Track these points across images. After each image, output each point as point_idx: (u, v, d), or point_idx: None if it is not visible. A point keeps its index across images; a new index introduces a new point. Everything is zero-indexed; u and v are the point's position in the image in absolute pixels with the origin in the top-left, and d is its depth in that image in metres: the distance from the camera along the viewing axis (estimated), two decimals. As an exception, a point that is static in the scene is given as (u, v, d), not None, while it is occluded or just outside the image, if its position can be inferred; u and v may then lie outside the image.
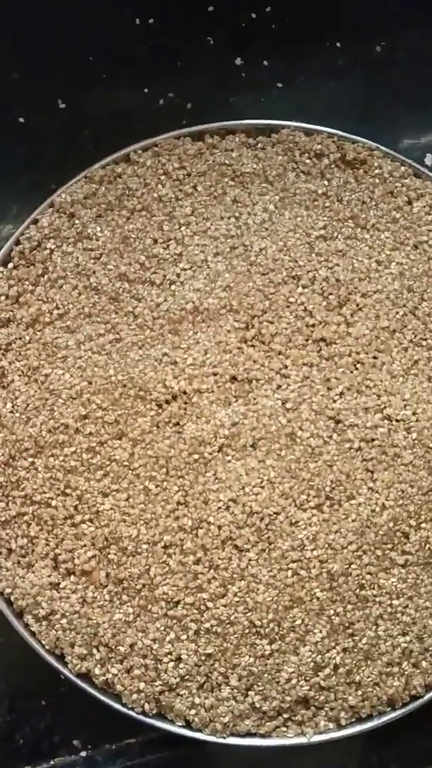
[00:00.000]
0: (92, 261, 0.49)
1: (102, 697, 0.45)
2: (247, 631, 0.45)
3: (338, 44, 0.56)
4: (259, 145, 0.52)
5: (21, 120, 0.54)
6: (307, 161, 0.51)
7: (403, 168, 0.52)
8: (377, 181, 0.51)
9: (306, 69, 0.56)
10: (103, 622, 0.45)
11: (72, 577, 0.46)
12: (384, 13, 0.57)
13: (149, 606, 0.46)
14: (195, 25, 0.55)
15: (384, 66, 0.57)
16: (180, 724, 0.45)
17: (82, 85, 0.55)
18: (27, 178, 0.54)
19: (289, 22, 0.56)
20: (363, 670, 0.46)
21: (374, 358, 0.49)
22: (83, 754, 0.48)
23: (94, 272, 0.49)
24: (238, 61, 0.56)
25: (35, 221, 0.50)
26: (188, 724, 0.45)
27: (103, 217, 0.50)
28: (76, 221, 0.50)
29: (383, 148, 0.52)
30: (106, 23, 0.55)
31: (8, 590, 0.46)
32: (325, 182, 0.51)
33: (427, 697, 0.46)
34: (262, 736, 0.45)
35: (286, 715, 0.46)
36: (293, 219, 0.50)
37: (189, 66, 0.56)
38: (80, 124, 0.54)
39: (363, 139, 0.52)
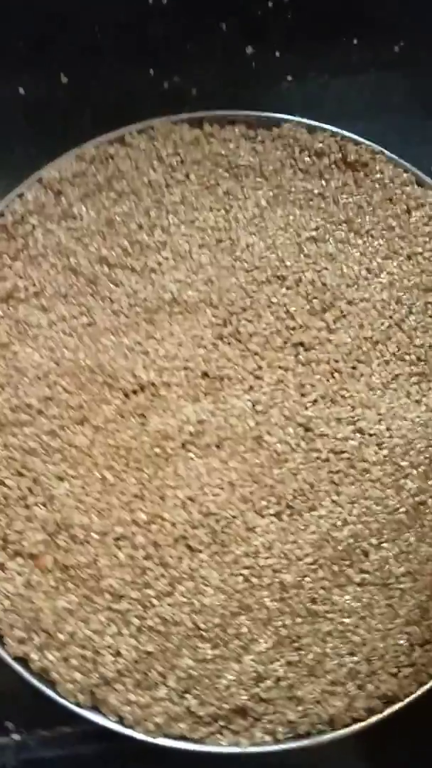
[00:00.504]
0: (74, 241, 0.48)
1: (37, 683, 0.44)
2: (190, 633, 0.44)
3: (355, 41, 0.55)
4: (259, 138, 0.50)
5: (21, 91, 0.53)
6: (307, 159, 0.50)
7: (405, 175, 0.50)
8: (377, 186, 0.50)
9: (318, 64, 0.54)
10: (46, 608, 0.44)
11: (19, 559, 0.45)
12: (407, 13, 0.55)
13: (94, 597, 0.44)
14: (209, 10, 0.54)
15: (400, 67, 0.55)
16: (113, 719, 0.44)
17: (87, 62, 0.54)
18: (22, 150, 0.53)
19: (307, 14, 0.54)
20: (306, 686, 0.44)
21: (353, 368, 0.47)
22: (15, 737, 0.47)
23: (74, 253, 0.48)
24: (249, 50, 0.54)
25: (21, 195, 0.49)
26: (121, 720, 0.44)
27: (90, 197, 0.49)
28: (63, 199, 0.49)
29: (387, 152, 0.50)
30: (119, 0, 0.54)
31: None
32: (323, 182, 0.50)
33: (370, 720, 0.45)
34: (195, 741, 0.44)
35: (221, 723, 0.44)
36: (285, 217, 0.49)
37: (198, 51, 0.54)
38: (81, 100, 0.53)
39: (367, 142, 0.50)
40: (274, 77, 0.54)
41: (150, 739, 0.44)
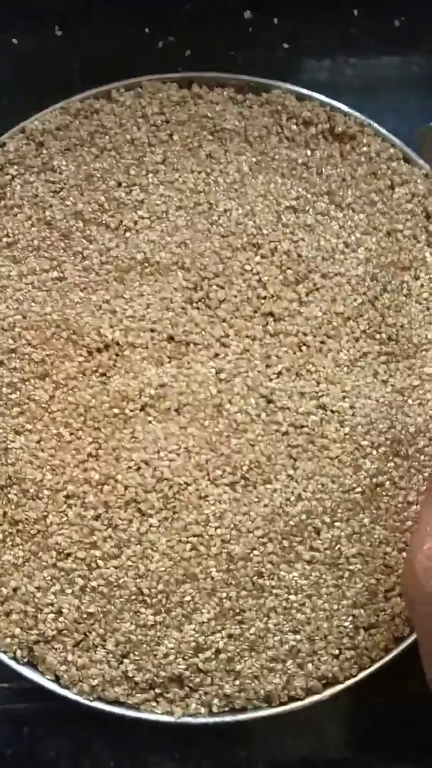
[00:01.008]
0: (51, 194, 0.47)
1: (-25, 636, 0.44)
2: (133, 597, 0.43)
3: (355, 12, 0.53)
4: (247, 102, 0.49)
5: (14, 41, 0.52)
6: (294, 127, 0.48)
7: (392, 150, 0.49)
8: (362, 159, 0.48)
9: (316, 33, 0.53)
10: (-9, 561, 0.44)
11: (-33, 510, 0.45)
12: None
13: (40, 553, 0.44)
14: (210, -30, 0.52)
15: (398, 42, 0.53)
16: (50, 678, 0.44)
17: (81, 15, 0.52)
18: (8, 100, 0.52)
19: (309, -20, 0.53)
20: (245, 661, 0.44)
21: (321, 342, 0.46)
22: None
23: (51, 206, 0.47)
24: (248, 14, 0.53)
25: (2, 144, 0.48)
26: (58, 680, 0.44)
27: (72, 151, 0.48)
28: (44, 151, 0.48)
29: (375, 125, 0.49)
30: None
31: None
32: (308, 152, 0.48)
33: (306, 701, 0.44)
34: (130, 706, 0.44)
35: (157, 690, 0.44)
36: (266, 185, 0.47)
37: (196, 12, 0.53)
38: (73, 53, 0.52)
39: (356, 113, 0.49)
40: (270, 44, 0.52)
41: (85, 701, 0.44)
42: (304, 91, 0.49)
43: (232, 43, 0.52)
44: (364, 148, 0.48)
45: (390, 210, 0.48)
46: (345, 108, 0.49)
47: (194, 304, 0.46)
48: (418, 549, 0.38)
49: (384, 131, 0.49)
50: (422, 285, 0.48)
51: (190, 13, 0.53)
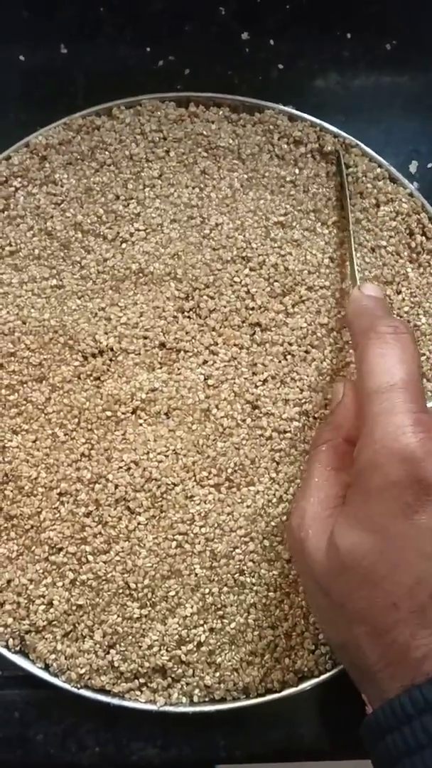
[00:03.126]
0: (53, 206, 0.49)
1: (-30, 625, 0.46)
2: (120, 591, 0.45)
3: (348, 35, 0.54)
4: (241, 121, 0.50)
5: (21, 58, 0.54)
6: (284, 146, 0.50)
7: (379, 170, 0.50)
8: (350, 179, 0.50)
9: (310, 55, 0.54)
10: (-14, 554, 0.46)
11: (-35, 505, 0.46)
12: (402, 12, 0.55)
13: (33, 547, 0.46)
14: (209, -7, 0.54)
15: (389, 65, 0.54)
16: (40, 666, 0.45)
17: (86, 34, 0.54)
18: (15, 115, 0.53)
19: (305, 4, 0.54)
20: (225, 654, 0.45)
21: (306, 352, 0.47)
22: None
23: (52, 217, 0.49)
24: (245, 36, 0.54)
25: (7, 158, 0.50)
26: (47, 668, 0.45)
27: (73, 165, 0.49)
28: (47, 165, 0.49)
29: (363, 146, 0.50)
30: (123, -22, 0.54)
31: None
32: (297, 170, 0.49)
33: (283, 693, 0.45)
34: (115, 695, 0.45)
35: (142, 680, 0.45)
36: (256, 201, 0.49)
37: (195, 32, 0.54)
38: (77, 71, 0.53)
39: (345, 134, 0.50)
40: (266, 64, 0.54)
41: (72, 689, 0.45)
42: (296, 111, 0.50)
43: (230, 63, 0.54)
44: (351, 168, 0.50)
45: (375, 227, 0.49)
46: (334, 129, 0.50)
47: (185, 313, 0.48)
48: (292, 509, 0.40)
49: (371, 152, 0.50)
50: (403, 299, 0.49)
51: (190, 33, 0.54)
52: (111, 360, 0.47)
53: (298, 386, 0.47)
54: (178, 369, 0.47)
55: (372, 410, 0.37)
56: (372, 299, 0.42)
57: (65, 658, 0.45)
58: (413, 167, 0.53)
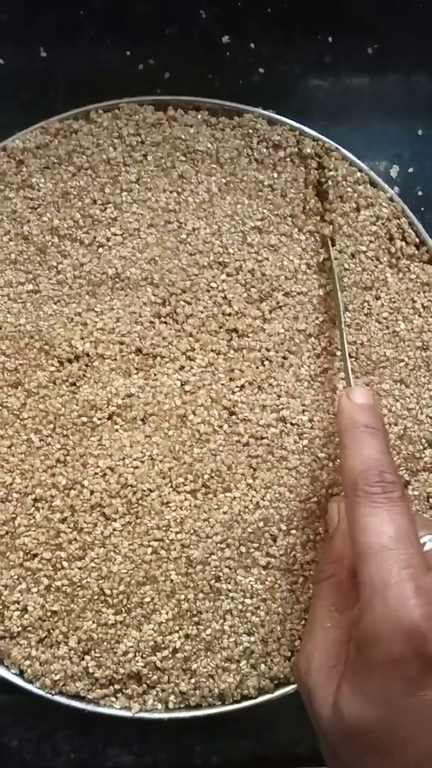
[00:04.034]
0: (29, 210, 0.48)
1: None
2: (95, 597, 0.44)
3: (330, 39, 0.54)
4: (219, 125, 0.50)
5: (1, 61, 0.53)
6: (263, 150, 0.49)
7: (359, 174, 0.49)
8: (330, 183, 0.49)
9: (291, 59, 0.53)
10: (-39, 560, 0.45)
11: None
12: (383, 17, 0.54)
13: (8, 553, 0.45)
14: (190, -3, 0.53)
15: (370, 69, 0.54)
16: (14, 672, 0.45)
17: (66, 38, 0.53)
18: (-7, 118, 0.53)
19: (286, 8, 0.54)
20: (201, 660, 0.45)
21: (283, 358, 0.47)
22: None
23: (28, 221, 0.48)
24: (225, 39, 0.53)
25: (-16, 162, 0.49)
26: (21, 674, 0.45)
27: (50, 169, 0.49)
28: (23, 169, 0.49)
29: (342, 149, 0.49)
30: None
31: None
32: (275, 174, 0.49)
33: (259, 699, 0.45)
34: (90, 701, 0.45)
35: (117, 686, 0.45)
36: (233, 205, 0.48)
37: (175, 36, 0.53)
38: (57, 75, 0.53)
39: (324, 138, 0.49)
40: (247, 68, 0.53)
41: (47, 695, 0.45)
42: (275, 115, 0.50)
43: (210, 66, 0.53)
44: (331, 173, 0.49)
45: (355, 232, 0.49)
46: (313, 133, 0.50)
47: (162, 319, 0.47)
48: (299, 651, 0.40)
49: (351, 155, 0.50)
50: (382, 305, 0.48)
51: (171, 37, 0.54)
52: (87, 365, 0.47)
53: (275, 392, 0.46)
54: (155, 375, 0.46)
55: (368, 571, 0.35)
56: (362, 411, 0.40)
57: (40, 664, 0.45)
58: (394, 172, 0.52)
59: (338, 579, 0.40)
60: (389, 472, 0.38)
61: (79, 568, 0.45)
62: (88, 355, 0.46)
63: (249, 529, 0.45)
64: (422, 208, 0.52)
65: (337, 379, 0.47)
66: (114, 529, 0.45)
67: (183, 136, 0.49)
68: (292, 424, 0.46)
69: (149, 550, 0.45)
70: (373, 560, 0.35)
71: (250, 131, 0.49)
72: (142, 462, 0.45)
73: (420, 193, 0.53)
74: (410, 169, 0.53)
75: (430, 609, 0.33)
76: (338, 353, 0.47)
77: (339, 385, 0.47)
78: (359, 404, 0.40)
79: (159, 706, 0.45)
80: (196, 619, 0.45)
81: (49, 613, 0.45)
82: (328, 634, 0.38)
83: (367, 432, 0.39)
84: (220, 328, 0.47)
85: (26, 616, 0.45)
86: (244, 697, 0.45)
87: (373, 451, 0.38)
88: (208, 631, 0.45)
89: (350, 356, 0.47)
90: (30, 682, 0.45)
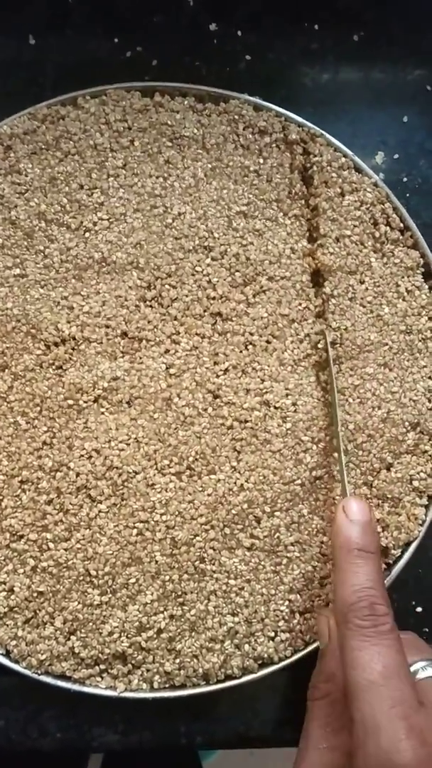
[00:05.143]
0: (17, 195, 0.48)
1: None
2: (81, 578, 0.44)
3: (316, 27, 0.53)
4: (206, 111, 0.49)
5: (-10, 49, 0.53)
6: (249, 136, 0.49)
7: (344, 159, 0.49)
8: (315, 168, 0.49)
9: (278, 46, 0.53)
10: None
11: None
12: (372, 5, 0.54)
13: (-6, 534, 0.45)
14: (178, -16, 0.53)
15: (357, 57, 0.53)
16: (1, 652, 0.45)
17: (55, 25, 0.53)
18: (-18, 105, 0.53)
19: (273, -4, 0.54)
20: (185, 640, 0.45)
21: (267, 342, 0.47)
22: None
23: (16, 206, 0.48)
24: (213, 27, 0.53)
25: (-27, 147, 0.49)
26: (8, 654, 0.45)
27: (37, 154, 0.49)
28: (11, 154, 0.49)
29: (327, 135, 0.49)
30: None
31: None
32: (261, 160, 0.49)
33: (243, 679, 0.45)
34: (76, 681, 0.45)
35: (102, 666, 0.45)
36: (219, 190, 0.48)
37: (163, 24, 0.53)
38: (45, 62, 0.53)
39: (310, 124, 0.49)
40: (234, 56, 0.53)
41: (33, 675, 0.45)
42: (261, 101, 0.50)
43: (197, 54, 0.53)
44: (316, 158, 0.49)
45: (339, 216, 0.48)
46: (299, 118, 0.49)
47: (147, 303, 0.47)
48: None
49: (336, 141, 0.49)
50: (366, 289, 0.48)
51: (158, 25, 0.53)
52: (73, 349, 0.46)
53: (258, 376, 0.46)
54: (140, 358, 0.46)
55: (359, 708, 0.35)
56: (357, 530, 0.40)
57: (26, 645, 0.45)
58: (380, 158, 0.52)
59: (332, 698, 0.40)
60: (380, 602, 0.38)
61: (65, 549, 0.45)
62: (74, 338, 0.46)
63: (233, 511, 0.45)
64: (407, 194, 0.52)
65: (320, 365, 0.47)
66: (100, 511, 0.45)
67: (169, 122, 0.49)
68: (275, 407, 0.46)
69: (134, 531, 0.45)
70: (363, 696, 0.35)
71: (236, 117, 0.49)
72: (128, 444, 0.45)
73: (405, 179, 0.52)
74: (395, 156, 0.53)
75: (422, 751, 0.33)
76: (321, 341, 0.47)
77: (336, 490, 0.47)
78: (355, 521, 0.40)
79: (144, 685, 0.45)
80: (180, 599, 0.45)
81: (35, 594, 0.45)
82: (323, 756, 0.39)
83: (360, 556, 0.39)
84: (205, 311, 0.47)
85: (12, 596, 0.45)
86: (228, 677, 0.45)
87: (365, 580, 0.38)
88: (193, 612, 0.44)
89: (333, 343, 0.47)
90: (16, 662, 0.45)
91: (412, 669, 0.39)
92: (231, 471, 0.45)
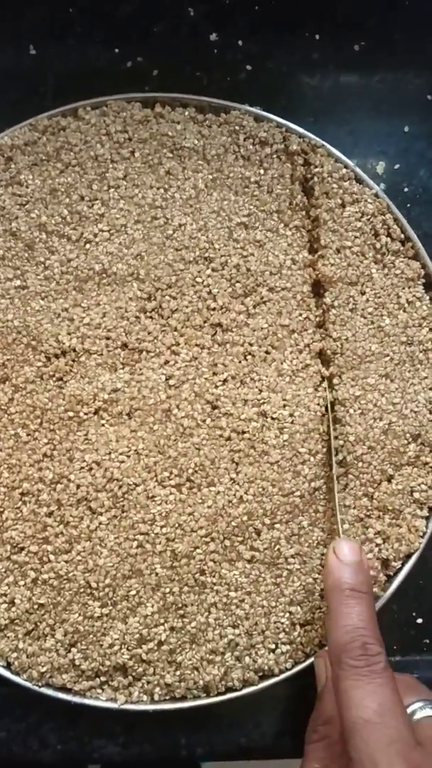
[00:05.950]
0: (18, 207, 0.48)
1: None
2: (82, 590, 0.44)
3: (317, 36, 0.53)
4: (206, 122, 0.49)
5: (-9, 60, 0.53)
6: (250, 147, 0.49)
7: (344, 170, 0.49)
8: (315, 179, 0.49)
9: (279, 56, 0.53)
10: None
11: None
12: (370, 14, 0.54)
13: (-5, 546, 0.45)
14: (179, -5, 0.53)
15: (357, 67, 0.53)
16: (1, 664, 0.45)
17: (56, 35, 0.53)
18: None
19: (274, 5, 0.53)
20: (186, 652, 0.44)
21: (266, 353, 0.47)
22: None
23: (16, 218, 0.48)
24: (213, 37, 0.53)
25: (-27, 159, 0.49)
26: (8, 666, 0.45)
27: (38, 166, 0.49)
28: (12, 166, 0.49)
29: (328, 146, 0.49)
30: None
31: None
32: (261, 171, 0.49)
33: (243, 692, 0.44)
34: (76, 693, 0.44)
35: (103, 678, 0.44)
36: (219, 201, 0.48)
37: (164, 34, 0.53)
38: (46, 72, 0.53)
39: (311, 135, 0.49)
40: (234, 66, 0.53)
41: (33, 687, 0.44)
42: (261, 112, 0.49)
43: (198, 64, 0.53)
44: (317, 169, 0.49)
45: (340, 228, 0.48)
46: (300, 129, 0.49)
47: (147, 314, 0.47)
48: None
49: (336, 152, 0.49)
50: (367, 300, 0.48)
51: (159, 35, 0.53)
52: (74, 360, 0.46)
53: (257, 386, 0.46)
54: (140, 369, 0.46)
55: (357, 746, 0.35)
56: (348, 570, 0.40)
57: (27, 657, 0.44)
58: (380, 168, 0.52)
59: (330, 741, 0.40)
60: (372, 642, 0.38)
61: (66, 562, 0.44)
62: (74, 350, 0.46)
63: (233, 523, 0.45)
64: (408, 205, 0.52)
65: (318, 375, 0.47)
66: (100, 523, 0.45)
67: (170, 133, 0.49)
68: (272, 418, 0.46)
69: (135, 543, 0.44)
70: (359, 735, 0.35)
71: (237, 128, 0.49)
72: (128, 456, 0.45)
73: (406, 189, 0.52)
74: (396, 166, 0.52)
75: None
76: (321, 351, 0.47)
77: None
78: (346, 563, 0.41)
79: (144, 697, 0.44)
80: (181, 611, 0.44)
81: (36, 606, 0.44)
82: None
83: (352, 596, 0.39)
84: (205, 322, 0.47)
85: (13, 608, 0.44)
86: (229, 689, 0.45)
87: (357, 620, 0.38)
88: (193, 624, 0.44)
89: (333, 353, 0.47)
90: (17, 674, 0.44)
91: (409, 710, 0.39)
92: (230, 483, 0.45)
